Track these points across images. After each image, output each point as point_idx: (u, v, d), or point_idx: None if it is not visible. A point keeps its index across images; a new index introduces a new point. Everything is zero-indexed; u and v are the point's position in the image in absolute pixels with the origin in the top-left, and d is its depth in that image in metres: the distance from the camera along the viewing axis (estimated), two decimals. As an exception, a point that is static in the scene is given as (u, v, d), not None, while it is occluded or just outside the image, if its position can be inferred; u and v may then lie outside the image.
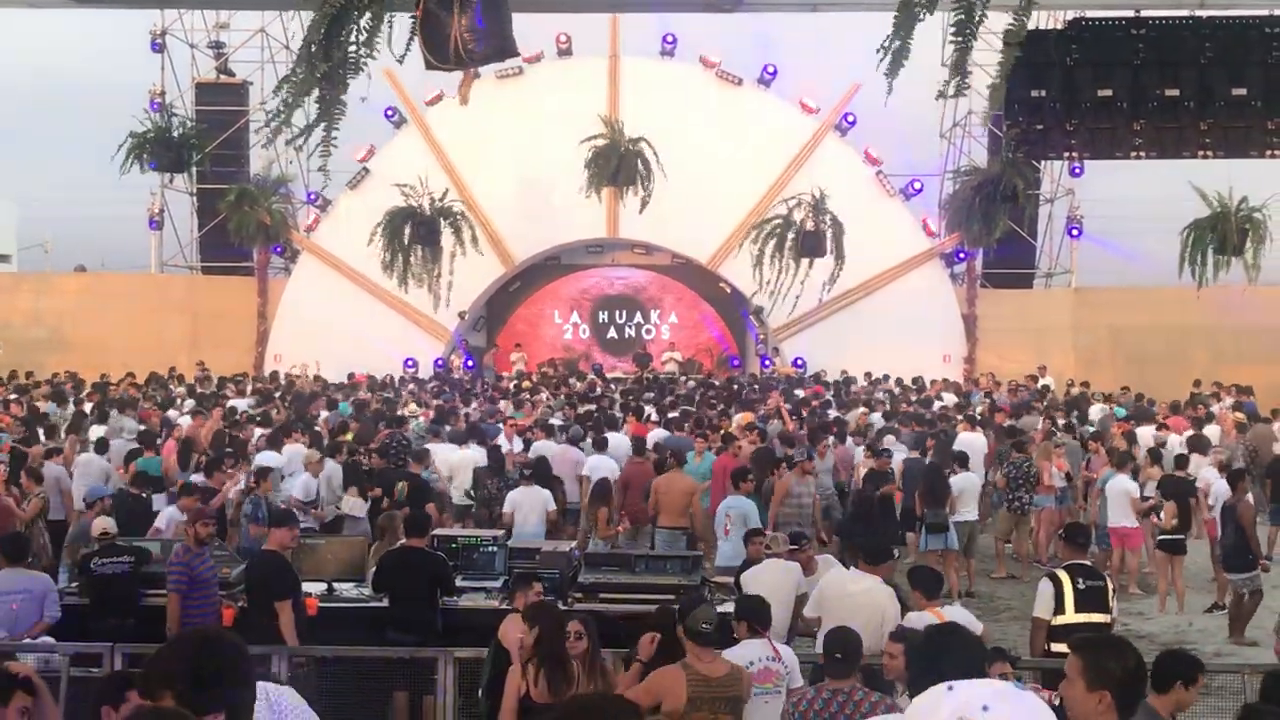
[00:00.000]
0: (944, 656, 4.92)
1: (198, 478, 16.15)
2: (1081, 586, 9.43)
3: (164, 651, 3.88)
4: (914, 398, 27.21)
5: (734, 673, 7.21)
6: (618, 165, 26.05)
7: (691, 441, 18.05)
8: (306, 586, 10.66)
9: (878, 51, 8.04)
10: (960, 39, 7.93)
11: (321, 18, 7.15)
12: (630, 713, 3.43)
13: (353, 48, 7.24)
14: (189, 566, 10.10)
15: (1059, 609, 9.39)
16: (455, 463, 17.55)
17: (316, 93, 7.53)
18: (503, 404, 24.60)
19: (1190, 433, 21.11)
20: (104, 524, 11.66)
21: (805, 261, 26.44)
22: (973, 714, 2.83)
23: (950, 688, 4.21)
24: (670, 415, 21.52)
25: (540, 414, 22.28)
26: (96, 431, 19.67)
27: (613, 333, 36.96)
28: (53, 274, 39.60)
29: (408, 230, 25.54)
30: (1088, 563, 9.93)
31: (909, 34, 7.79)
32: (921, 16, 7.78)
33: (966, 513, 16.59)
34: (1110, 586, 9.68)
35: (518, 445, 18.84)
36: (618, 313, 37.02)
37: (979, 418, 21.90)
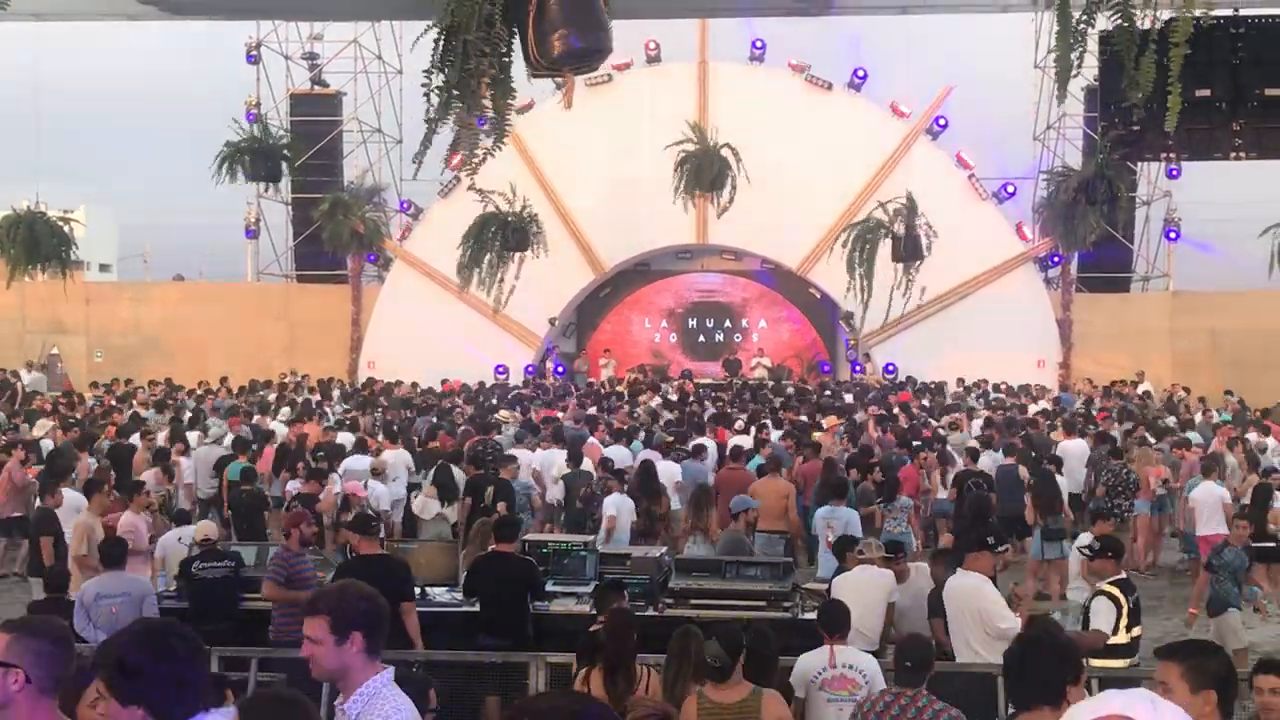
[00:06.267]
0: (1028, 667, 4.81)
1: (294, 484, 16.39)
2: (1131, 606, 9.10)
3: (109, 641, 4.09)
4: (1008, 403, 26.85)
5: (750, 700, 6.98)
6: (707, 171, 25.96)
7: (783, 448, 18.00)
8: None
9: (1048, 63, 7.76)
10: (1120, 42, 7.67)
11: (443, 33, 7.14)
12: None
13: (474, 62, 7.21)
14: (288, 565, 10.25)
15: (1117, 628, 9.06)
16: (533, 464, 17.71)
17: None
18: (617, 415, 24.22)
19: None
20: (206, 529, 11.89)
21: (901, 266, 26.18)
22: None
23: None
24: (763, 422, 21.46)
25: (641, 418, 22.25)
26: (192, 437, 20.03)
27: (702, 338, 36.89)
28: (151, 283, 40.44)
29: (491, 236, 25.54)
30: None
31: (1068, 42, 7.56)
32: (1080, 25, 7.54)
33: None
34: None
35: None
36: (707, 319, 36.95)
37: (1075, 423, 21.49)
